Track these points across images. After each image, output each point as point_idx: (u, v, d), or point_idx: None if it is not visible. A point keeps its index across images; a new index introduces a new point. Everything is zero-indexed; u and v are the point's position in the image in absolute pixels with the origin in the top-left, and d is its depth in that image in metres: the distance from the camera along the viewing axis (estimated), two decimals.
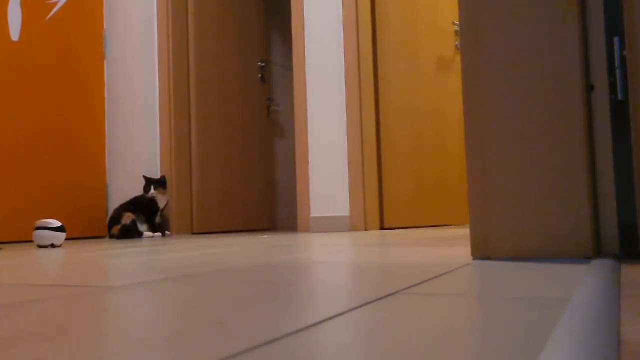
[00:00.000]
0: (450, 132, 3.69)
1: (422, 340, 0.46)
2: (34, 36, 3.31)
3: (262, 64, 4.43)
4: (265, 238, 2.71)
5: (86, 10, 3.62)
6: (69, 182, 3.42)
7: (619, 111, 1.17)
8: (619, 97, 1.16)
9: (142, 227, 3.33)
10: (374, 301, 0.67)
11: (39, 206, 3.24)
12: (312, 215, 3.33)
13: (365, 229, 3.22)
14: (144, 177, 3.41)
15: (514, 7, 1.17)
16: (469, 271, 0.98)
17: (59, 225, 2.43)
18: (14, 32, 3.22)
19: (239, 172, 4.13)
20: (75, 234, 3.43)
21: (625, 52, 1.15)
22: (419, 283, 0.82)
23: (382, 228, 3.36)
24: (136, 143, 3.63)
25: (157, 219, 3.43)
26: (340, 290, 0.80)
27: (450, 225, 3.58)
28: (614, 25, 1.18)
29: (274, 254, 1.54)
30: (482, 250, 1.18)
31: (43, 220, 2.45)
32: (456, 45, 3.76)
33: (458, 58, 3.76)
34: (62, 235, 2.44)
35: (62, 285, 0.94)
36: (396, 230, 3.20)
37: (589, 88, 1.17)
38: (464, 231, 2.64)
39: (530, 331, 0.48)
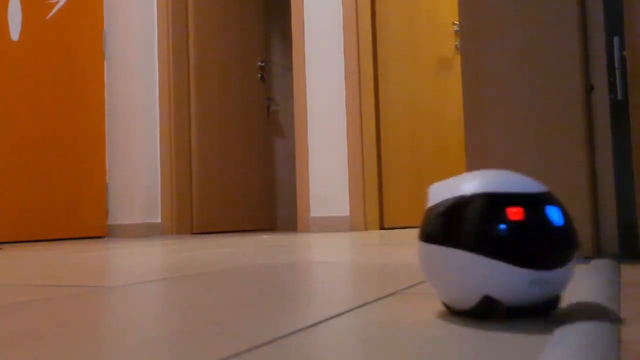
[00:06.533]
0: (450, 132, 3.69)
1: (422, 340, 0.46)
2: (34, 36, 3.31)
3: (262, 64, 4.43)
4: (265, 238, 2.70)
5: (86, 10, 3.62)
6: (68, 182, 3.41)
7: (619, 111, 1.17)
8: (619, 97, 1.16)
9: None
10: (374, 301, 0.67)
11: (38, 206, 3.23)
12: (312, 215, 3.33)
13: (365, 229, 3.22)
14: None
15: (514, 7, 1.17)
16: None
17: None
18: (14, 32, 3.22)
19: (239, 172, 4.13)
20: (75, 234, 3.43)
21: (625, 52, 1.15)
22: (419, 283, 0.82)
23: (382, 228, 3.36)
24: (136, 143, 3.63)
25: None
26: (340, 290, 0.80)
27: None
28: (614, 25, 1.18)
29: (274, 254, 1.54)
30: None
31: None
32: (456, 45, 3.76)
33: (458, 58, 3.75)
34: None
35: (62, 286, 0.94)
36: (396, 230, 3.19)
37: (589, 88, 1.17)
38: None
39: (530, 331, 0.48)
